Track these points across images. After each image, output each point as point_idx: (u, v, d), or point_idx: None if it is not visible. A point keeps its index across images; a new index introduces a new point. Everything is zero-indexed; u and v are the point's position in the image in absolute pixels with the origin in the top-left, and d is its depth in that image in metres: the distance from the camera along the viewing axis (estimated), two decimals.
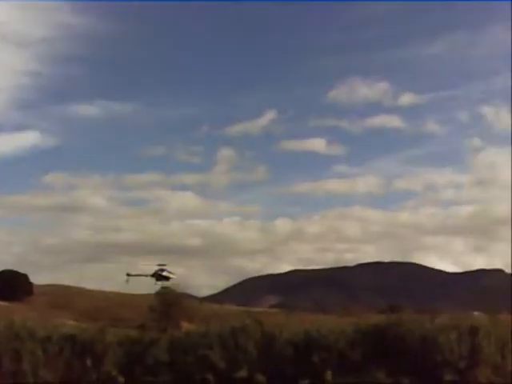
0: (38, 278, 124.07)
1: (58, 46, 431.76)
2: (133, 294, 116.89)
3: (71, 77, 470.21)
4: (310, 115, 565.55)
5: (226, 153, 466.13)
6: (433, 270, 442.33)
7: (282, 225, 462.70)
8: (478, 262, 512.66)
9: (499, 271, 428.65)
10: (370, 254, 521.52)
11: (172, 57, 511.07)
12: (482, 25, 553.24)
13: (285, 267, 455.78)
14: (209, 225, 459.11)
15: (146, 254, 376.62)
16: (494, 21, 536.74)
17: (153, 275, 68.20)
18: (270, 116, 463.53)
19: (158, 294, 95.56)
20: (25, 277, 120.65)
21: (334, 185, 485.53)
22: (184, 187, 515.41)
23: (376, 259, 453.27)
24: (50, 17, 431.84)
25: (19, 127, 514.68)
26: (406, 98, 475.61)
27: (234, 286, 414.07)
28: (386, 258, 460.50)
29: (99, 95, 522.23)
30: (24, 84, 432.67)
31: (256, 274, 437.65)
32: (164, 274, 70.77)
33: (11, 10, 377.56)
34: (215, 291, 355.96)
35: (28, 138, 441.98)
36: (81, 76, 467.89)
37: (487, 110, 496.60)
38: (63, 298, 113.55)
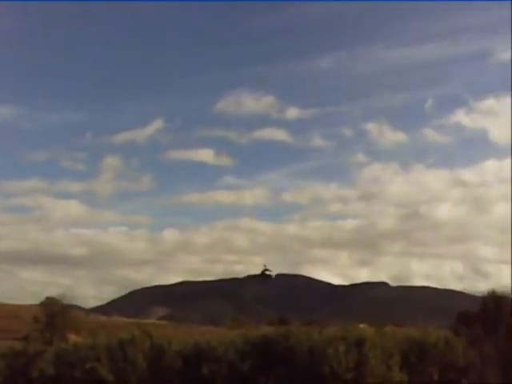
0: None
1: None
2: (16, 305, 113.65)
3: None
4: (197, 126, 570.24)
5: (111, 161, 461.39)
6: (320, 282, 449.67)
7: (170, 235, 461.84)
8: (363, 275, 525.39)
9: (384, 284, 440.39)
10: (258, 265, 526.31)
11: (57, 61, 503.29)
12: (364, 44, 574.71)
13: (174, 278, 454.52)
14: (94, 234, 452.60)
15: (29, 262, 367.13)
16: (375, 40, 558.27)
17: (261, 274, 64.72)
18: (156, 125, 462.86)
19: (43, 304, 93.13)
20: None
21: (222, 196, 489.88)
22: (68, 195, 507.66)
23: None
24: None
25: None
26: (292, 113, 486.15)
27: (122, 297, 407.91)
28: (275, 270, 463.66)
29: None
30: None
31: (144, 285, 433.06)
32: (267, 273, 67.31)
33: None
34: (102, 302, 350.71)
35: None
36: None
37: (371, 127, 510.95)
38: None
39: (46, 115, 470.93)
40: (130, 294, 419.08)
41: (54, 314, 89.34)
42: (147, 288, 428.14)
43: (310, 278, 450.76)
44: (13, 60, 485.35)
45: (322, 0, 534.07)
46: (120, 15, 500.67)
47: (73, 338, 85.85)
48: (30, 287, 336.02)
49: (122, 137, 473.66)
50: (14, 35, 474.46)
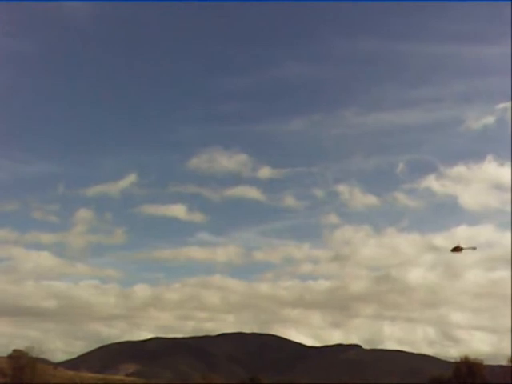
0: None
1: None
2: None
3: None
4: (170, 181, 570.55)
5: (83, 214, 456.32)
6: (292, 342, 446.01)
7: (142, 291, 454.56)
8: (336, 337, 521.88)
9: (356, 346, 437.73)
10: (230, 323, 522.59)
11: (32, 112, 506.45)
12: (338, 108, 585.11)
13: (144, 334, 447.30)
14: (65, 287, 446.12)
15: None
16: (349, 104, 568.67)
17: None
18: (130, 179, 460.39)
19: (10, 356, 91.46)
20: None
21: (194, 252, 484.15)
22: (39, 246, 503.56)
23: (236, 329, 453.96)
24: None
25: None
26: (265, 172, 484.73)
27: (92, 352, 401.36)
28: (246, 329, 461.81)
29: None
30: None
31: (114, 341, 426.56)
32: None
33: None
34: (71, 356, 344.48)
35: None
36: None
37: (342, 189, 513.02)
38: None
39: (18, 166, 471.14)
40: (99, 348, 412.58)
41: (22, 367, 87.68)
42: (117, 343, 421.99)
43: (281, 337, 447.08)
44: None
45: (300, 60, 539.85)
46: (95, 68, 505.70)
47: None
48: None
49: (96, 190, 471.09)
50: None
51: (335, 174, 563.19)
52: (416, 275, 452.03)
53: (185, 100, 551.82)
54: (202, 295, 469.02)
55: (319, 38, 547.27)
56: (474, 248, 59.85)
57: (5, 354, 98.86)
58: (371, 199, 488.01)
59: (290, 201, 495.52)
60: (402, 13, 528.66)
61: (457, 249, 58.22)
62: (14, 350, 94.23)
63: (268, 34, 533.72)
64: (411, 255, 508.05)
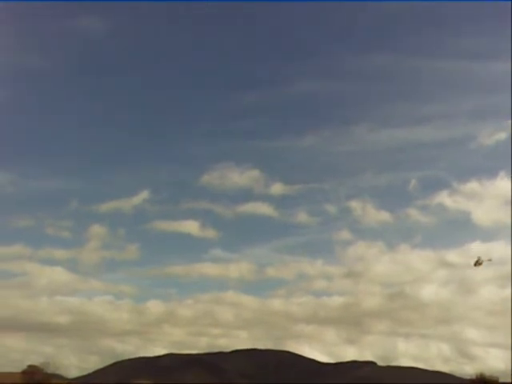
0: None
1: None
2: None
3: None
4: (183, 197, 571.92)
5: (97, 230, 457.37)
6: (306, 359, 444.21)
7: (155, 307, 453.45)
8: (350, 354, 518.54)
9: (371, 363, 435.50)
10: (243, 340, 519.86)
11: (47, 129, 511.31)
12: (350, 124, 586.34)
13: (158, 350, 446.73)
14: (79, 302, 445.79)
15: (12, 330, 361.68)
16: (361, 121, 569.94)
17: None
18: (143, 196, 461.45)
19: (24, 372, 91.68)
20: None
21: (207, 268, 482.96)
22: (53, 262, 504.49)
23: (249, 345, 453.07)
24: None
25: None
26: (277, 188, 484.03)
27: (106, 368, 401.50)
28: (260, 345, 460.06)
29: None
30: None
31: (128, 357, 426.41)
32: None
33: None
34: (85, 372, 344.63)
35: None
36: None
37: (355, 205, 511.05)
38: None
39: (32, 182, 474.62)
40: (113, 364, 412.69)
41: (36, 383, 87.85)
42: (131, 359, 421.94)
43: (295, 354, 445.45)
44: (5, 128, 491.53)
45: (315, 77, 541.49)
46: (109, 84, 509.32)
47: None
48: (11, 354, 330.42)
49: (109, 206, 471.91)
50: (7, 104, 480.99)
51: (347, 190, 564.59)
52: (429, 291, 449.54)
53: (197, 116, 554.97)
54: (215, 311, 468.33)
55: (331, 54, 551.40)
56: (490, 259, 59.69)
57: (19, 370, 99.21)
58: (384, 215, 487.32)
59: (302, 217, 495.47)
60: (414, 29, 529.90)
61: (478, 262, 58.07)
62: (29, 366, 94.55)
63: (280, 51, 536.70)
64: (424, 271, 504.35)
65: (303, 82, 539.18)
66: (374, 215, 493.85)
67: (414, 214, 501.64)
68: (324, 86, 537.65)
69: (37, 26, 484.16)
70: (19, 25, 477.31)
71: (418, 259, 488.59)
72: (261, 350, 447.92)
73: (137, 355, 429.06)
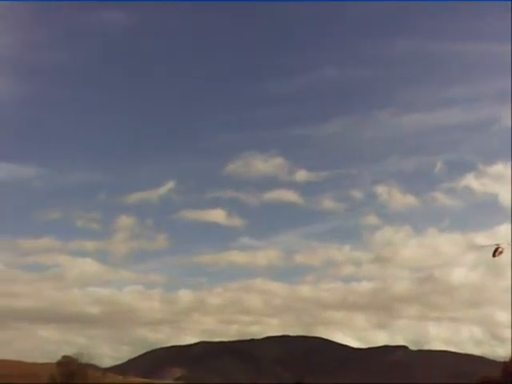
0: None
1: None
2: (35, 363, 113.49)
3: None
4: (208, 187, 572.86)
5: (125, 220, 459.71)
6: (337, 344, 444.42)
7: (185, 296, 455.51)
8: (381, 338, 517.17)
9: (403, 347, 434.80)
10: (274, 326, 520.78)
11: (74, 123, 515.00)
12: (375, 109, 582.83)
13: (189, 339, 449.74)
14: (110, 293, 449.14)
15: (45, 321, 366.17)
16: (385, 106, 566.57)
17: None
18: (169, 186, 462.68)
19: (59, 363, 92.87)
20: None
21: (235, 257, 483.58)
22: (84, 254, 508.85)
23: (280, 332, 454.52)
24: None
25: None
26: (302, 175, 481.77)
27: (139, 357, 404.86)
28: (291, 332, 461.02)
29: (1, 158, 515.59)
30: None
31: (161, 345, 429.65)
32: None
33: None
34: (119, 362, 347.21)
35: None
36: None
37: (381, 190, 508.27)
38: None
39: (61, 176, 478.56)
40: (147, 353, 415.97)
41: (72, 373, 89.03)
42: (163, 348, 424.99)
43: (326, 340, 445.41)
44: (32, 123, 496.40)
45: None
46: (133, 78, 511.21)
47: None
48: (46, 346, 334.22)
49: (136, 197, 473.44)
50: (33, 99, 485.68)
51: (373, 175, 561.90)
52: (459, 275, 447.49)
53: (221, 106, 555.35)
54: (245, 299, 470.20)
55: (353, 40, 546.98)
56: (510, 244, 58.75)
57: (54, 361, 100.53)
58: (410, 199, 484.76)
59: (328, 203, 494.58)
60: (437, 13, 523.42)
61: (498, 251, 57.19)
62: (64, 357, 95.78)
63: (302, 39, 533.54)
64: (453, 255, 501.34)
65: (326, 69, 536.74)
66: (401, 199, 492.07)
67: (440, 197, 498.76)
68: (347, 73, 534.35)
69: (60, 21, 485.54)
70: (43, 21, 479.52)
71: (446, 243, 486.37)
72: (292, 337, 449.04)
73: (169, 344, 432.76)
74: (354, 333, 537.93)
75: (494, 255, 56.84)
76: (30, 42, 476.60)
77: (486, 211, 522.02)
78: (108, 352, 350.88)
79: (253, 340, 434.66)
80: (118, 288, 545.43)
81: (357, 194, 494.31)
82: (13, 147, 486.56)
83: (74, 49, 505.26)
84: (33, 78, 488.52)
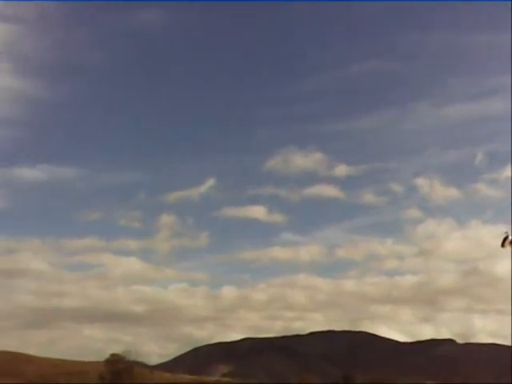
0: None
1: None
2: (83, 362, 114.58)
3: (15, 140, 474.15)
4: (248, 183, 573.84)
5: (166, 219, 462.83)
6: (384, 339, 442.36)
7: (229, 292, 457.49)
8: (427, 332, 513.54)
9: (450, 341, 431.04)
10: (318, 322, 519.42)
11: (114, 124, 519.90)
12: (412, 101, 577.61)
13: (234, 335, 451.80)
14: (154, 291, 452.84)
15: (91, 320, 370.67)
16: (423, 97, 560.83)
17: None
18: (209, 184, 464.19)
19: (107, 361, 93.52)
20: None
21: (277, 253, 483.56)
22: (127, 252, 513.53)
23: (325, 327, 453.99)
24: None
25: None
26: (341, 169, 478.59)
27: (185, 354, 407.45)
28: (336, 327, 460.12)
29: (42, 160, 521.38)
30: None
31: (206, 342, 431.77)
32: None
33: None
34: (166, 359, 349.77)
35: None
36: (24, 139, 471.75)
37: (422, 183, 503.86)
38: (10, 364, 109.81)
39: (102, 176, 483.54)
40: (192, 350, 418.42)
41: (120, 371, 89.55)
42: (209, 345, 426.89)
43: (372, 334, 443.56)
44: (72, 124, 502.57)
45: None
46: (169, 75, 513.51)
47: None
48: (93, 344, 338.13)
49: (176, 195, 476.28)
50: (73, 100, 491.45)
51: (413, 167, 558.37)
52: (504, 267, 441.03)
53: (258, 102, 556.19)
54: (288, 295, 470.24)
55: (391, 33, 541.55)
56: None
57: (101, 359, 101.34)
58: (452, 192, 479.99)
59: (369, 197, 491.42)
60: (472, 5, 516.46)
61: (506, 240, 55.23)
62: (112, 355, 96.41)
63: (340, 33, 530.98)
64: (497, 247, 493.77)
65: (363, 63, 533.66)
66: (442, 192, 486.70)
67: (482, 188, 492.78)
68: (384, 66, 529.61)
69: (97, 21, 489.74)
70: (80, 21, 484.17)
71: (489, 234, 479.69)
72: (337, 332, 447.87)
73: (214, 341, 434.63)
74: (399, 327, 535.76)
75: (502, 245, 55.23)
76: (67, 43, 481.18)
77: None
78: (154, 349, 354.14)
79: (298, 336, 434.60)
80: (162, 286, 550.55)
81: (397, 187, 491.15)
82: (54, 149, 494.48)
83: (111, 49, 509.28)
84: (72, 79, 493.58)
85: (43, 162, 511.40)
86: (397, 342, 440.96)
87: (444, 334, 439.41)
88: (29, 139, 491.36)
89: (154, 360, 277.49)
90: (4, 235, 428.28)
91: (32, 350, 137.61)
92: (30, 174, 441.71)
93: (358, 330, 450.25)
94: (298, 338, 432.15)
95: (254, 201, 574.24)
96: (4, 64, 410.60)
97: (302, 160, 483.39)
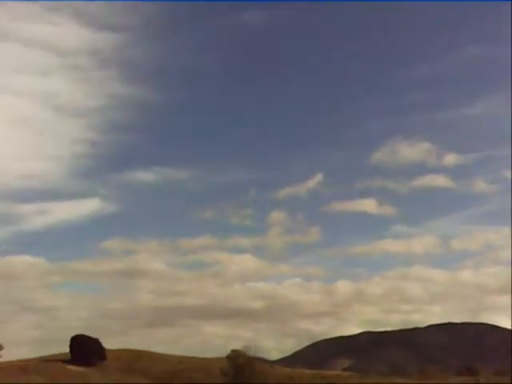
0: (107, 343, 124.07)
1: (110, 114, 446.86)
2: (205, 358, 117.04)
3: (128, 145, 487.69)
4: (356, 177, 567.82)
5: (277, 215, 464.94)
6: (505, 329, 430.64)
7: (344, 287, 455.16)
8: None
9: None
10: (436, 314, 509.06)
11: (220, 124, 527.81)
12: None
13: (352, 329, 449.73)
14: (270, 287, 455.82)
15: (211, 317, 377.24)
16: None
17: None
18: (317, 179, 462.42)
19: (229, 357, 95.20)
20: (97, 342, 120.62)
21: (390, 245, 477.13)
22: (241, 250, 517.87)
23: (443, 319, 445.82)
24: (100, 87, 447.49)
25: (79, 194, 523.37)
26: (451, 158, 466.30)
27: (304, 349, 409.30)
28: (455, 319, 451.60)
29: (155, 162, 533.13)
30: (81, 152, 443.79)
31: (324, 337, 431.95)
32: None
33: (65, 82, 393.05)
34: (285, 354, 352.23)
35: (88, 205, 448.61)
36: (137, 144, 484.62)
37: None
38: (136, 362, 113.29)
39: (213, 176, 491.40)
40: (311, 345, 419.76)
41: (241, 367, 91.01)
42: (328, 339, 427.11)
43: (493, 325, 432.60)
44: (185, 127, 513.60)
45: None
46: (272, 74, 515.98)
47: None
48: (214, 341, 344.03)
49: (285, 192, 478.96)
50: (180, 103, 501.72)
51: None
52: None
53: (364, 94, 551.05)
54: (404, 287, 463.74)
55: (497, 17, 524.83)
56: None
57: (222, 355, 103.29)
58: None
59: (481, 186, 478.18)
60: None
61: None
62: (233, 351, 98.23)
63: (444, 20, 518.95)
64: None
65: (470, 49, 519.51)
66: None
67: None
68: (491, 51, 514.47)
69: (202, 24, 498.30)
70: (183, 25, 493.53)
71: None
72: (456, 324, 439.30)
73: (332, 335, 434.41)
74: None
75: None
76: (172, 48, 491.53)
77: None
78: (274, 345, 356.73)
79: (416, 328, 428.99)
80: (277, 282, 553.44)
81: (510, 174, 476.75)
82: (166, 151, 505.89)
83: (219, 51, 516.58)
84: (179, 82, 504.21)
85: (157, 165, 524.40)
86: None
87: None
88: (142, 143, 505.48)
89: (274, 355, 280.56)
90: (122, 237, 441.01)
91: (156, 348, 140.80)
92: (144, 176, 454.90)
93: (478, 321, 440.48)
94: (416, 330, 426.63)
95: (363, 194, 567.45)
96: (113, 71, 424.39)
97: (410, 150, 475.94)
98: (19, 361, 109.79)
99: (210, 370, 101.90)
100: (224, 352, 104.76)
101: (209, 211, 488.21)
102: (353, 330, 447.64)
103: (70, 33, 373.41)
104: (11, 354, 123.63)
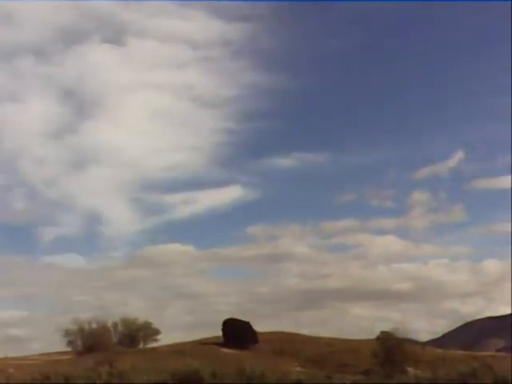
0: (258, 326, 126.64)
1: (244, 103, 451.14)
2: (354, 340, 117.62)
3: (265, 132, 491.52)
4: (498, 153, 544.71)
5: (418, 196, 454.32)
6: None
7: (492, 265, 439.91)
8: None
9: None
10: None
11: (356, 106, 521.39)
12: None
13: (503, 309, 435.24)
14: (415, 268, 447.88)
15: (356, 299, 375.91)
16: None
17: None
18: (458, 156, 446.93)
19: (378, 339, 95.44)
20: (248, 325, 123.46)
21: None
22: (383, 231, 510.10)
23: None
24: (234, 77, 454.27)
25: (221, 183, 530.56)
26: None
27: (455, 330, 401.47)
28: None
29: (293, 148, 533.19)
30: (220, 141, 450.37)
31: (475, 317, 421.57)
32: None
33: (199, 74, 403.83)
34: (435, 336, 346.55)
35: (230, 192, 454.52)
36: (274, 130, 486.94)
37: None
38: (287, 345, 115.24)
39: (351, 158, 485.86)
40: (463, 326, 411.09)
41: (391, 348, 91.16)
42: (479, 320, 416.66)
43: None
44: (319, 112, 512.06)
45: None
46: (405, 55, 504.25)
47: (411, 371, 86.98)
48: (360, 322, 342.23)
49: (425, 171, 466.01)
50: (316, 89, 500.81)
51: None
52: None
53: (495, 69, 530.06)
54: None
55: None
56: None
57: (370, 336, 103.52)
58: None
59: None
60: None
61: None
62: (382, 332, 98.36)
63: None
64: None
65: None
66: None
67: None
68: None
69: (325, 10, 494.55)
70: (309, 13, 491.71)
71: None
72: None
73: (483, 316, 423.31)
74: None
75: None
76: (301, 36, 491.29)
77: None
78: (423, 326, 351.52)
79: None
80: (422, 262, 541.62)
81: None
82: (304, 137, 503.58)
83: (344, 36, 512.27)
84: (311, 68, 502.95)
85: (295, 150, 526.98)
86: None
87: None
88: (279, 130, 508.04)
89: (424, 337, 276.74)
90: (266, 222, 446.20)
91: (304, 330, 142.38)
92: (283, 162, 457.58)
93: None
94: None
95: (505, 171, 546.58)
96: (246, 61, 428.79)
97: None
98: (176, 344, 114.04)
99: (359, 351, 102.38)
100: (372, 334, 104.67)
101: (349, 194, 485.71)
102: (504, 309, 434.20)
103: (202, 26, 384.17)
104: (168, 338, 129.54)
